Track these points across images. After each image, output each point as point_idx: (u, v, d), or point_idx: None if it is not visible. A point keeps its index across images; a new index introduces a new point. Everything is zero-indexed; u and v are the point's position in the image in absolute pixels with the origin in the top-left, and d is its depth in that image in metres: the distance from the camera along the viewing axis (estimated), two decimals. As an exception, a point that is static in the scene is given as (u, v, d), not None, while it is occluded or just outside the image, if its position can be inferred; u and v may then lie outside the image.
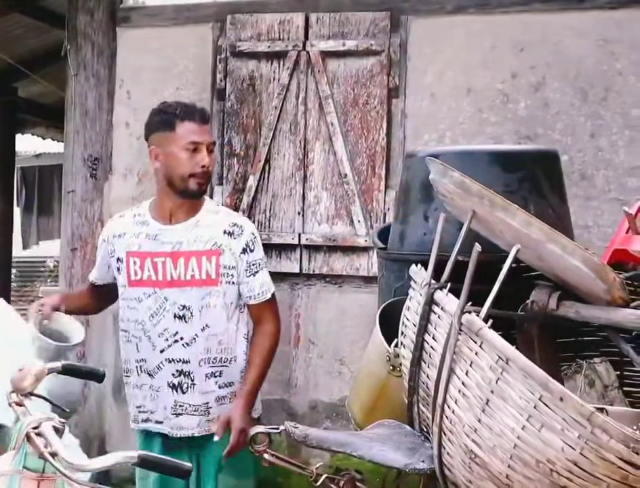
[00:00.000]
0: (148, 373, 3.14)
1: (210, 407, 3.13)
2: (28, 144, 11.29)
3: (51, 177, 11.18)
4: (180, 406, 3.11)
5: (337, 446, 2.40)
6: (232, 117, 4.75)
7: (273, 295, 3.21)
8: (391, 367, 2.76)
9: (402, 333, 2.62)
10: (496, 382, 2.08)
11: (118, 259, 3.18)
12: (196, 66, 4.85)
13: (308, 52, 4.61)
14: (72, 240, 5.01)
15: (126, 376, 3.23)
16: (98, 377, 2.61)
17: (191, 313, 3.09)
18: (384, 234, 3.39)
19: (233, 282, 3.14)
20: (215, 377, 3.14)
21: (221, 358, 3.13)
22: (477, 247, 2.22)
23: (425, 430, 2.52)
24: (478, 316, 2.17)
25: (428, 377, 2.40)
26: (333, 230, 4.59)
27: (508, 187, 2.74)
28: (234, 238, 3.13)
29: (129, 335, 3.17)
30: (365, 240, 4.49)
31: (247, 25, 4.74)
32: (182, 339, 3.09)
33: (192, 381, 3.10)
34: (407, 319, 2.60)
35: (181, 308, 3.09)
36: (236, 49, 4.73)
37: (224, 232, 3.14)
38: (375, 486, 2.60)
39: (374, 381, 2.93)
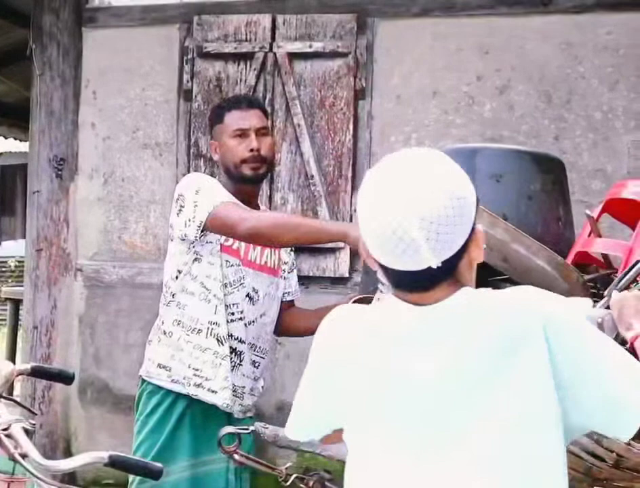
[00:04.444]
0: (217, 339, 3.11)
1: (244, 393, 3.18)
2: (-10, 143, 11.19)
3: (14, 177, 11.08)
4: (234, 385, 3.16)
5: (307, 446, 2.42)
6: (199, 118, 4.75)
7: None
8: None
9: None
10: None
11: None
12: (163, 67, 4.84)
13: (275, 53, 4.62)
14: (37, 241, 4.97)
15: (187, 335, 3.12)
16: (68, 379, 2.60)
17: (258, 297, 3.17)
18: None
19: (284, 278, 3.30)
20: (255, 366, 3.21)
21: (263, 348, 3.23)
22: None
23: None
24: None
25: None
26: (299, 231, 4.60)
27: (544, 186, 2.77)
28: None
29: (210, 294, 3.12)
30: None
31: (213, 26, 4.74)
32: (244, 318, 3.14)
33: (240, 361, 3.14)
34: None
35: (252, 289, 3.16)
36: (203, 50, 4.73)
37: None
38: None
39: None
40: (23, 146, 9.44)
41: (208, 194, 3.07)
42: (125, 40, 4.90)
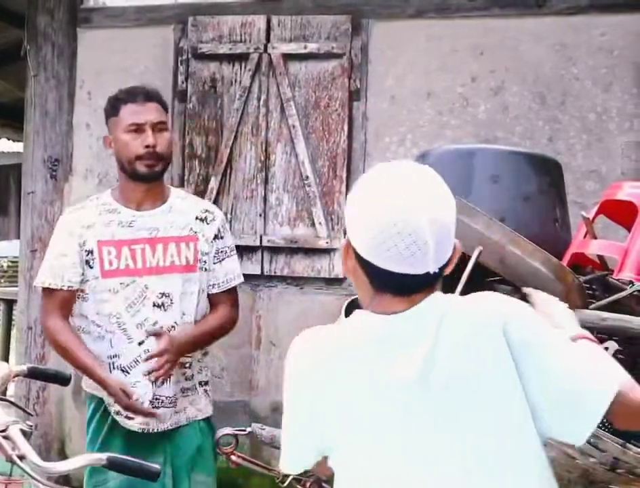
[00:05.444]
0: (121, 370, 3.03)
1: (177, 399, 3.09)
2: (-18, 143, 11.16)
3: (7, 177, 11.04)
4: (157, 399, 3.04)
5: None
6: (194, 119, 4.74)
7: (236, 286, 3.25)
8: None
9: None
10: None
11: (88, 251, 3.05)
12: (158, 68, 4.84)
13: (269, 54, 4.62)
14: (32, 242, 4.96)
15: None
16: (64, 380, 2.60)
17: (171, 300, 3.04)
18: None
19: (206, 269, 3.13)
20: (185, 368, 3.12)
21: None
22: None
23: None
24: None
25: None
26: (294, 232, 4.61)
27: (541, 187, 2.79)
28: (207, 224, 3.13)
29: (102, 330, 3.04)
30: (326, 242, 4.51)
31: (208, 27, 4.74)
32: (160, 328, 3.02)
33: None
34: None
35: (160, 295, 3.03)
36: (198, 51, 4.73)
37: (196, 218, 3.13)
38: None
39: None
40: (16, 147, 9.43)
41: (45, 262, 3.11)
42: (120, 40, 4.90)
